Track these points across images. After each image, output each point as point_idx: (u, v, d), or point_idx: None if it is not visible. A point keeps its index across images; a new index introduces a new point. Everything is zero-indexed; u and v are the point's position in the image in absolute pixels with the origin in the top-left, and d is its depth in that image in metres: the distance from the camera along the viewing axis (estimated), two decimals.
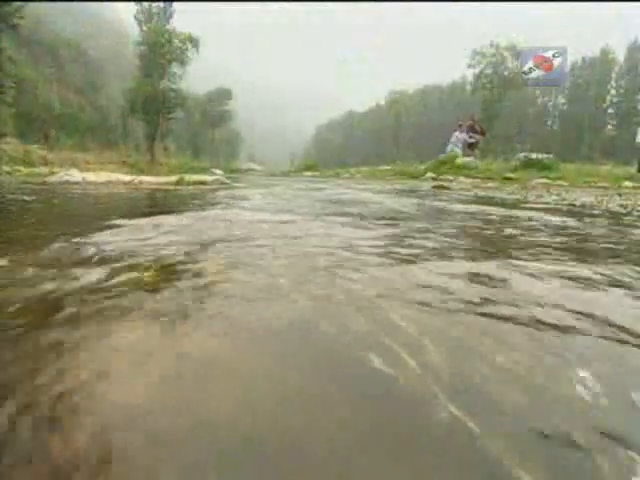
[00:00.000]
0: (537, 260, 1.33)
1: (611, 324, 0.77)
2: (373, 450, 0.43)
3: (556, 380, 0.57)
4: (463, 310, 0.82)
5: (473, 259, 1.35)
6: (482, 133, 13.50)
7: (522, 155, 12.43)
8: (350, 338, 0.68)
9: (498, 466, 0.41)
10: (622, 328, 0.75)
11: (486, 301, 0.88)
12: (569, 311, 0.83)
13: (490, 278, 1.07)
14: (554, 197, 4.86)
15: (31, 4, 21.16)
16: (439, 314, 0.80)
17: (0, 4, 17.64)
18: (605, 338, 0.71)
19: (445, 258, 1.33)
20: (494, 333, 0.71)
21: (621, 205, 3.94)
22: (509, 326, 0.75)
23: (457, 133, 12.99)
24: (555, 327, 0.75)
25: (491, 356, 0.62)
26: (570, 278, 1.10)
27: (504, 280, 1.05)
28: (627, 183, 8.32)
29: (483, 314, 0.80)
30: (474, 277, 1.08)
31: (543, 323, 0.76)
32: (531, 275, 1.12)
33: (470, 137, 12.96)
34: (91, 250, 1.29)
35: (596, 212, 3.30)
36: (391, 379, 0.55)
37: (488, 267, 1.20)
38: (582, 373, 0.58)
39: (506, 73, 31.51)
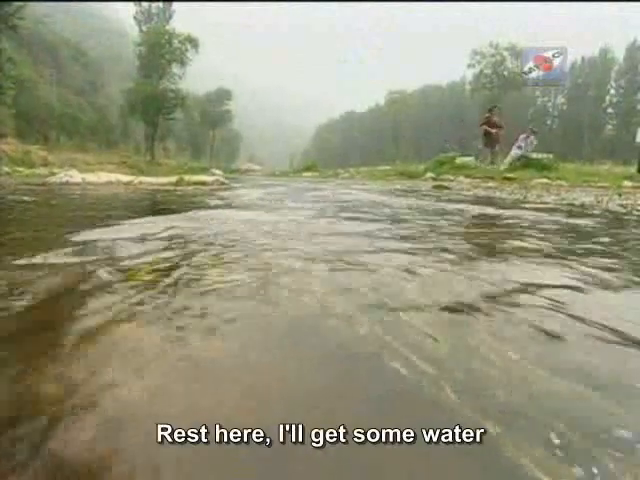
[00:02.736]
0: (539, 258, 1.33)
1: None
2: None
3: None
4: None
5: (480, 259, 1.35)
6: (499, 126, 11.85)
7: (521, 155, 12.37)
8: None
9: None
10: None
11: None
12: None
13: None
14: (554, 197, 4.86)
15: (31, 4, 21.18)
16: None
17: (0, 5, 17.64)
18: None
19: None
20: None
21: (621, 205, 3.94)
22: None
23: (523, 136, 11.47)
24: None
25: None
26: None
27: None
28: (627, 183, 8.31)
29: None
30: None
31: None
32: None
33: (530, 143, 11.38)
34: (93, 250, 1.30)
35: (596, 212, 3.30)
36: None
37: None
38: None
39: (506, 73, 31.51)
